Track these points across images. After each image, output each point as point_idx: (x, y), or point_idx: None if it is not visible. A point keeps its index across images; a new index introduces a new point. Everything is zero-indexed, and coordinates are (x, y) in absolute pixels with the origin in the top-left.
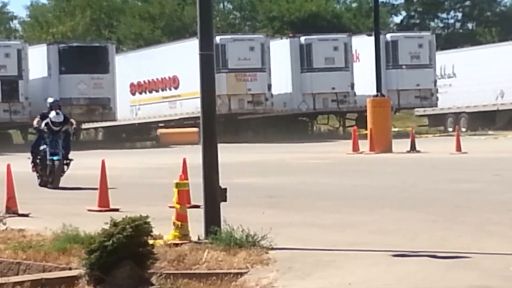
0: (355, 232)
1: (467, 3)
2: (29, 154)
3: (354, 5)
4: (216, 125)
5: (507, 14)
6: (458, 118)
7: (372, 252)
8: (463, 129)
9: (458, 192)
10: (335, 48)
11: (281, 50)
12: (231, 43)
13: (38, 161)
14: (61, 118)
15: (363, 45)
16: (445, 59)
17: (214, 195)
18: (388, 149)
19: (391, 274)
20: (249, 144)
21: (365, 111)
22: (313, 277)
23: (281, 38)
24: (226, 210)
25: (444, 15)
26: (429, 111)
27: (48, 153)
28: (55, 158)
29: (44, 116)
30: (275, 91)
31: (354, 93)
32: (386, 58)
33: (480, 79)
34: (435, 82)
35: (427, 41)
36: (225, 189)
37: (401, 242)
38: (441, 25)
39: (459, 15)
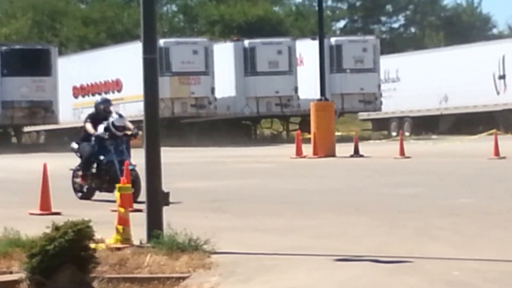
0: (298, 236)
1: (410, 7)
2: (71, 164)
3: (294, 9)
4: (159, 129)
5: (450, 18)
6: (402, 122)
7: (315, 257)
8: (407, 134)
9: (401, 197)
10: (279, 52)
11: (225, 54)
12: (174, 47)
13: (99, 172)
14: (124, 121)
15: (307, 49)
16: (389, 63)
17: (157, 199)
18: (332, 153)
19: (334, 278)
20: (193, 148)
21: (309, 115)
22: (255, 281)
23: (225, 42)
24: (168, 214)
25: (387, 20)
26: (373, 115)
27: (116, 164)
28: (131, 167)
29: (95, 118)
30: (218, 94)
31: (298, 97)
32: (330, 62)
33: (424, 83)
34: (379, 86)
35: (371, 45)
36: (167, 193)
37: (344, 246)
38: (384, 29)
39: (402, 19)
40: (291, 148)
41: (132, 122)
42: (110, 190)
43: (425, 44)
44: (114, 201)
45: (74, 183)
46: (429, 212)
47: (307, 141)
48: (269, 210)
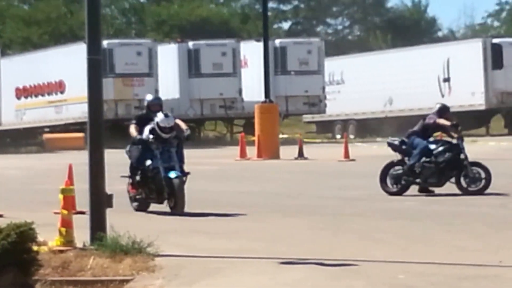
0: (243, 239)
1: (355, 9)
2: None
3: (238, 10)
4: (103, 131)
5: (395, 20)
6: (346, 125)
7: (259, 260)
8: (352, 136)
9: (346, 200)
10: (223, 54)
11: (169, 55)
12: (118, 48)
13: (144, 179)
14: (171, 122)
15: (251, 51)
16: (333, 65)
17: (100, 201)
18: (276, 156)
19: (278, 282)
20: None
21: (253, 117)
22: (199, 284)
23: (169, 43)
24: (112, 216)
25: (332, 21)
26: (317, 117)
27: (162, 170)
28: (173, 175)
29: (142, 120)
30: (162, 96)
31: (242, 99)
32: (274, 64)
33: (368, 86)
34: (324, 88)
35: (316, 47)
36: (111, 195)
37: (288, 249)
38: (329, 31)
39: (347, 21)
40: (235, 150)
41: (75, 124)
42: (159, 201)
43: (369, 46)
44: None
45: (128, 192)
46: (374, 215)
47: (251, 143)
48: (215, 213)
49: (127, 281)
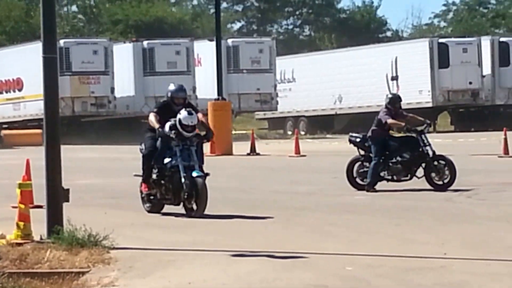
0: (196, 232)
1: (305, 9)
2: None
3: (191, 10)
4: (60, 127)
5: (344, 20)
6: (297, 121)
7: (212, 252)
8: (302, 133)
9: (297, 194)
10: (177, 53)
11: (124, 54)
12: (74, 47)
13: (160, 178)
14: (194, 120)
15: (204, 50)
16: (285, 64)
17: (57, 196)
18: (229, 152)
19: (229, 273)
20: (93, 146)
21: (207, 114)
22: (153, 276)
23: (124, 42)
24: (69, 211)
25: (283, 21)
26: (269, 114)
27: (181, 169)
28: (195, 174)
29: (164, 110)
30: (118, 94)
31: (196, 96)
32: (227, 62)
33: (319, 84)
34: (275, 86)
35: (267, 46)
36: (67, 190)
37: (240, 242)
38: (280, 30)
39: (298, 21)
40: None
41: (32, 120)
42: (175, 202)
43: (320, 46)
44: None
45: (141, 192)
46: (324, 209)
47: None
48: (167, 206)
49: (83, 273)
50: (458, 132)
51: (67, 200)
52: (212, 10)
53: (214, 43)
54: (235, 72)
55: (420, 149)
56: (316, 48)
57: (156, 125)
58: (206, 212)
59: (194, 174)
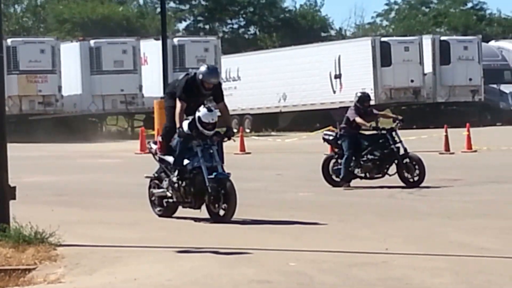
0: (142, 229)
1: (250, 9)
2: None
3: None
4: (6, 125)
5: (288, 19)
6: (242, 119)
7: (158, 249)
8: (247, 130)
9: (242, 191)
10: (124, 51)
11: (71, 53)
12: (22, 46)
13: (181, 181)
14: (215, 117)
15: (151, 49)
16: (230, 63)
17: (3, 193)
18: None
19: (175, 269)
20: (40, 144)
21: (153, 112)
22: (100, 272)
23: (71, 41)
24: (15, 208)
25: (228, 20)
26: None
27: (205, 170)
28: (221, 176)
29: (189, 93)
30: (65, 92)
31: (142, 95)
32: (173, 61)
33: (263, 82)
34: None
35: (213, 45)
36: (14, 187)
37: (186, 239)
38: (226, 30)
39: (243, 20)
40: (135, 144)
41: None
42: (195, 205)
43: (264, 45)
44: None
45: (151, 194)
46: (269, 206)
47: (151, 137)
48: (114, 203)
49: (30, 270)
50: (400, 129)
51: (14, 198)
52: (159, 9)
53: (160, 42)
54: (181, 70)
55: (390, 148)
56: (260, 47)
57: (178, 124)
58: (152, 209)
59: (220, 176)
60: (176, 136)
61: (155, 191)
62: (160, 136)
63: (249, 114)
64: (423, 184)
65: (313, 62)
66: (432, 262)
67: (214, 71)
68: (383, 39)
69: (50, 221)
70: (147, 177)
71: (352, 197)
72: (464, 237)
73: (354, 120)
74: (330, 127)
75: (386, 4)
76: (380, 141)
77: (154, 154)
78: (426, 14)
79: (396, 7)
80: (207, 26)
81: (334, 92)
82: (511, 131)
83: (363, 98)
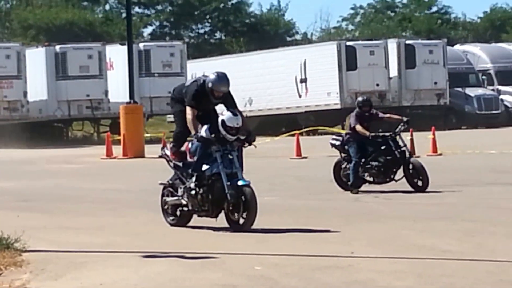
0: (108, 234)
1: (216, 14)
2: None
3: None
4: None
5: (253, 24)
6: None
7: (123, 254)
8: None
9: None
10: (90, 57)
11: (37, 58)
12: None
13: (200, 187)
14: (239, 122)
15: (116, 54)
16: (196, 67)
17: None
18: (141, 154)
19: (140, 274)
20: (5, 149)
21: (119, 117)
22: (65, 278)
23: (37, 47)
24: None
25: (194, 26)
26: None
27: (224, 177)
28: (241, 183)
29: (198, 101)
30: (31, 98)
31: (108, 100)
32: (139, 66)
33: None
34: None
35: (179, 50)
36: None
37: (152, 244)
38: (192, 35)
39: (209, 25)
40: (101, 150)
41: None
42: (212, 214)
43: (230, 49)
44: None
45: (164, 203)
46: None
47: (117, 142)
48: (79, 209)
49: None
50: None
51: None
52: (124, 14)
53: (125, 47)
54: (147, 75)
55: (394, 154)
56: (226, 52)
57: (193, 131)
58: (121, 213)
59: (240, 182)
60: (194, 140)
61: (169, 199)
62: (172, 143)
63: None
64: (388, 187)
65: (278, 66)
66: (396, 265)
67: (224, 78)
68: (348, 43)
69: (15, 226)
70: (161, 184)
71: (316, 200)
72: (428, 240)
73: (354, 127)
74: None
75: (352, 8)
76: (383, 147)
77: (168, 161)
78: (392, 18)
79: (362, 11)
80: (172, 32)
81: (300, 96)
82: (476, 135)
83: (362, 103)
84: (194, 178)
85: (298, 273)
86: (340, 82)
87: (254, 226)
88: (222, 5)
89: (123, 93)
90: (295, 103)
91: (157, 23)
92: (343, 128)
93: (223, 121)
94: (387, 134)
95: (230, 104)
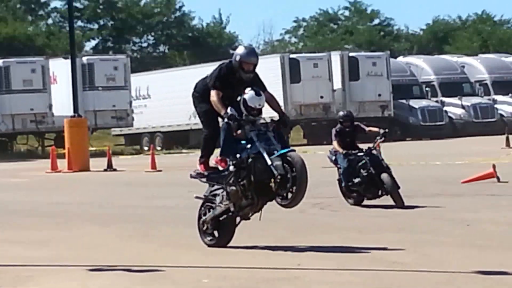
0: (54, 248)
1: (159, 27)
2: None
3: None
4: None
5: (196, 38)
6: (153, 137)
7: (70, 267)
8: (159, 148)
9: (154, 208)
10: (33, 71)
11: None
12: None
13: (239, 176)
14: (262, 102)
15: (60, 68)
16: (140, 81)
17: None
18: (86, 168)
19: (87, 287)
20: None
21: (63, 131)
22: None
23: None
24: None
25: (137, 39)
26: (126, 130)
27: (264, 152)
28: (285, 150)
29: (224, 82)
30: None
31: (52, 113)
32: (82, 80)
33: (173, 100)
34: (131, 103)
35: (122, 63)
36: None
37: (98, 257)
38: (135, 48)
39: (152, 39)
40: (46, 163)
41: None
42: (257, 203)
43: (173, 63)
44: None
45: (203, 223)
46: (180, 223)
47: (62, 156)
48: (25, 223)
49: None
50: (311, 145)
51: None
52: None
53: (69, 61)
54: (91, 89)
55: (369, 171)
56: (170, 65)
57: (222, 110)
58: (67, 227)
59: (287, 151)
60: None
61: (208, 215)
62: (201, 153)
63: (159, 132)
64: (334, 199)
65: None
66: (344, 276)
67: (252, 49)
68: (292, 56)
69: None
70: (197, 197)
71: (264, 213)
72: (376, 252)
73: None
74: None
75: (295, 21)
76: (360, 163)
77: (201, 177)
78: (335, 30)
79: (305, 24)
80: (115, 45)
81: None
82: (421, 146)
83: (343, 118)
84: (231, 167)
85: (245, 286)
86: (284, 94)
87: (199, 242)
88: (165, 18)
89: (67, 107)
90: None
91: (100, 38)
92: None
93: (244, 100)
94: (363, 150)
95: (261, 86)
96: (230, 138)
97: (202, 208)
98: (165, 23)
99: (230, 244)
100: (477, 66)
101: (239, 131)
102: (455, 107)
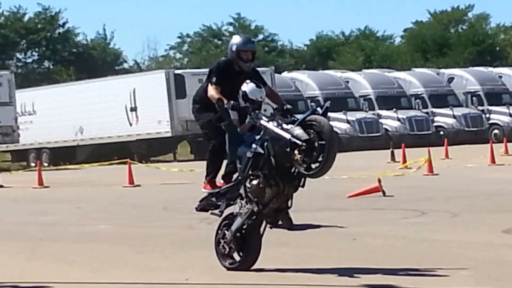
0: None
1: (43, 43)
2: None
3: None
4: None
5: (81, 53)
6: (40, 153)
7: None
8: (46, 164)
9: (40, 225)
10: None
11: None
12: None
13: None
14: (263, 95)
15: None
16: (25, 97)
17: None
18: None
19: None
20: None
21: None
22: None
23: None
24: None
25: (21, 55)
26: (12, 146)
27: (280, 132)
28: (314, 113)
29: (223, 77)
30: None
31: None
32: None
33: (60, 116)
34: (16, 119)
35: (6, 79)
36: None
37: None
38: (19, 64)
39: (36, 55)
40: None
41: None
42: (284, 187)
43: (59, 79)
44: None
45: (223, 247)
46: (68, 239)
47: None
48: None
49: None
50: (198, 160)
51: None
52: None
53: None
54: None
55: None
56: (55, 81)
57: (225, 100)
58: None
59: (314, 113)
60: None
61: (227, 234)
62: (206, 172)
63: (46, 148)
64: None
65: (108, 95)
66: None
67: (247, 37)
68: (177, 71)
69: None
70: (212, 213)
71: (151, 228)
72: (263, 267)
73: None
74: (128, 160)
75: (179, 37)
76: None
77: (210, 199)
78: (219, 46)
79: (189, 39)
80: None
81: (131, 124)
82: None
83: None
84: (248, 165)
85: None
86: (170, 110)
87: (87, 258)
88: (49, 34)
89: None
90: (126, 131)
91: None
92: (175, 157)
93: (244, 92)
94: None
95: (260, 81)
96: (236, 137)
97: (219, 232)
98: (49, 39)
99: (115, 259)
100: (361, 81)
101: (246, 121)
102: (340, 122)
